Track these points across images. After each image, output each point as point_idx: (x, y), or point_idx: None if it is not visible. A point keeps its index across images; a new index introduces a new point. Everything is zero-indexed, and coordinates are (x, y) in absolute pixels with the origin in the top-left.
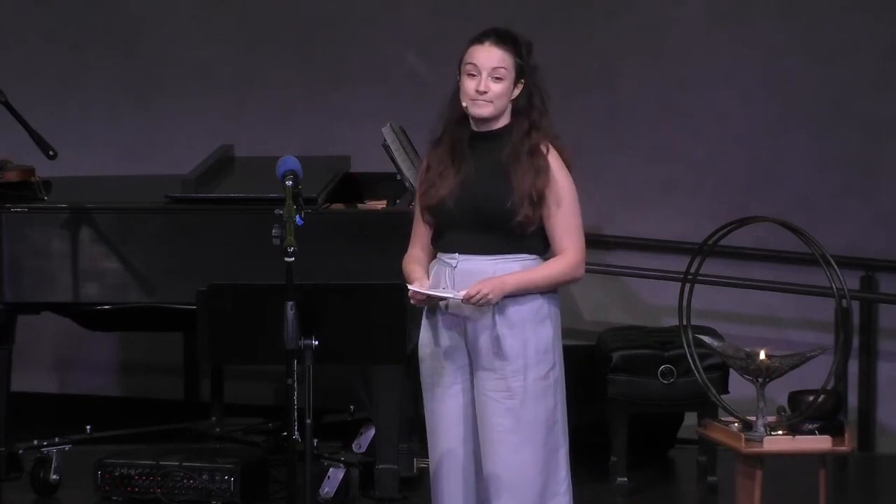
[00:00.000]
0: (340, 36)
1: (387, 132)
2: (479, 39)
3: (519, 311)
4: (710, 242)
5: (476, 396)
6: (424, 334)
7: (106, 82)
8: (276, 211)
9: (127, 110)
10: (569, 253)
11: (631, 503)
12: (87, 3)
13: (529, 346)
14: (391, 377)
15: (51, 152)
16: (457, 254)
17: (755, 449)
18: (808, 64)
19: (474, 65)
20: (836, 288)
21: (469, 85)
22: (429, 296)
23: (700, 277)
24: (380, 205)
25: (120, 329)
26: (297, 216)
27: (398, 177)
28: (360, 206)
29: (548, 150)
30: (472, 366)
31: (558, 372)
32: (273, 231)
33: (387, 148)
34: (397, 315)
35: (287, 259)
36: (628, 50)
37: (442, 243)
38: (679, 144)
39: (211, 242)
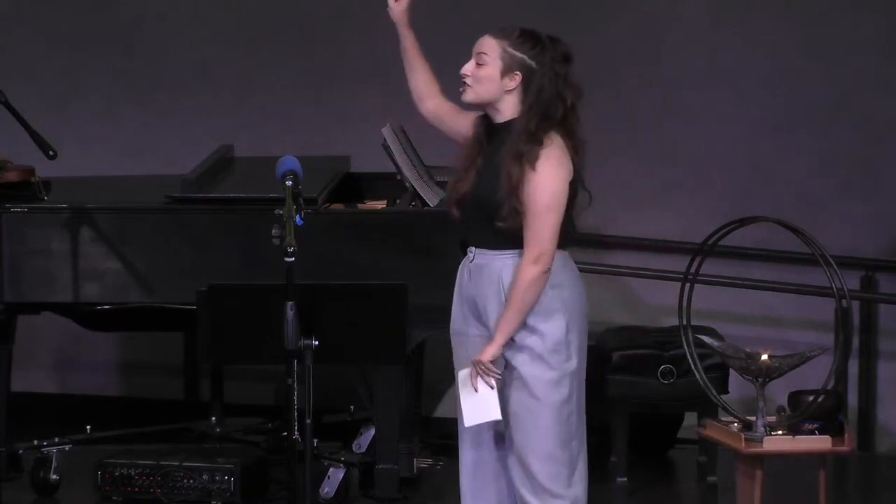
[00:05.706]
0: (340, 36)
1: (387, 132)
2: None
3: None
4: (710, 242)
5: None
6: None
7: (106, 82)
8: (276, 211)
9: (127, 110)
10: (525, 252)
11: (631, 503)
12: (87, 3)
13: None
14: (391, 377)
15: (51, 152)
16: (473, 247)
17: (755, 449)
18: (808, 64)
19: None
20: (836, 288)
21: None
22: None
23: (700, 277)
24: (380, 205)
25: (120, 329)
26: (297, 216)
27: (398, 177)
28: (360, 206)
29: (541, 145)
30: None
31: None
32: (273, 231)
33: (387, 148)
34: (397, 315)
35: (287, 259)
36: (628, 50)
37: (464, 234)
38: (679, 144)
39: (211, 242)
